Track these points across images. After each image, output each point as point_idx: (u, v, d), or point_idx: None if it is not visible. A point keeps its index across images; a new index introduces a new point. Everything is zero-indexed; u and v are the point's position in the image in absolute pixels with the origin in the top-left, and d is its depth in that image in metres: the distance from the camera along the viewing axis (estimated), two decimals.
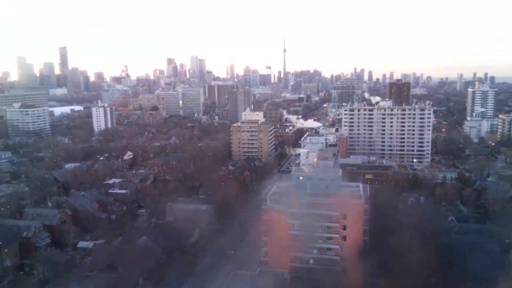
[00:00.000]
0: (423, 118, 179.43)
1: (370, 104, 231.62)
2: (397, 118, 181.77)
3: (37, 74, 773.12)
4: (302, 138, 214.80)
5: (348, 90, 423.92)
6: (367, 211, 77.86)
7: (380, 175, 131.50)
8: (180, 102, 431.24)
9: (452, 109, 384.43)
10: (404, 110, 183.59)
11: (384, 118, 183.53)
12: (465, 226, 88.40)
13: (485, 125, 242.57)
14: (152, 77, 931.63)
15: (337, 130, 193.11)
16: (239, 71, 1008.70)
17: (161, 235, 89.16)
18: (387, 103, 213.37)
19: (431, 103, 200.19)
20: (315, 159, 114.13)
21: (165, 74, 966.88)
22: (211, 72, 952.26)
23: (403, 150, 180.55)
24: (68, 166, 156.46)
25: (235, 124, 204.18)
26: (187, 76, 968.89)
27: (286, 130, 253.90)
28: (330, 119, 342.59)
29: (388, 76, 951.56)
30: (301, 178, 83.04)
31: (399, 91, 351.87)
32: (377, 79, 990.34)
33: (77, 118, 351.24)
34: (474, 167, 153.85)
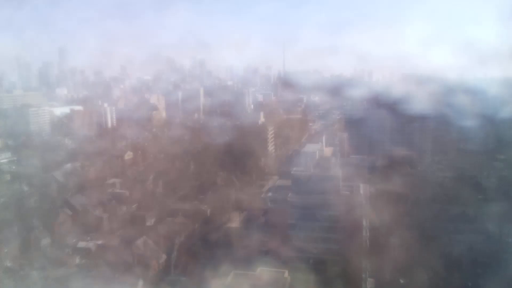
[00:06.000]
0: (423, 118, 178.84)
1: (369, 103, 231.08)
2: (397, 118, 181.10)
3: (36, 73, 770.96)
4: (302, 138, 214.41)
5: (348, 90, 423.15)
6: (368, 211, 77.87)
7: (380, 174, 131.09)
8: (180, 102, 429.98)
9: (452, 109, 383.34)
10: (404, 110, 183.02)
11: (384, 118, 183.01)
12: (465, 226, 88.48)
13: (484, 125, 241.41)
14: (151, 77, 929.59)
15: (337, 129, 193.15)
16: (239, 71, 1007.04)
17: (161, 235, 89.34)
18: (386, 103, 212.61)
19: (430, 103, 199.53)
20: (315, 159, 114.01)
21: (165, 73, 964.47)
22: (211, 72, 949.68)
23: (403, 150, 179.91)
24: (68, 166, 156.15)
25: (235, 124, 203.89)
26: (187, 76, 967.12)
27: (286, 129, 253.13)
28: (331, 119, 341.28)
29: (388, 76, 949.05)
30: (301, 177, 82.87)
31: (399, 90, 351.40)
32: (377, 79, 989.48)
33: (77, 118, 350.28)
34: (474, 167, 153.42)
